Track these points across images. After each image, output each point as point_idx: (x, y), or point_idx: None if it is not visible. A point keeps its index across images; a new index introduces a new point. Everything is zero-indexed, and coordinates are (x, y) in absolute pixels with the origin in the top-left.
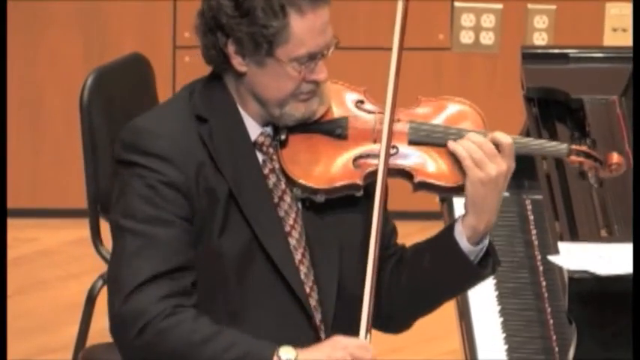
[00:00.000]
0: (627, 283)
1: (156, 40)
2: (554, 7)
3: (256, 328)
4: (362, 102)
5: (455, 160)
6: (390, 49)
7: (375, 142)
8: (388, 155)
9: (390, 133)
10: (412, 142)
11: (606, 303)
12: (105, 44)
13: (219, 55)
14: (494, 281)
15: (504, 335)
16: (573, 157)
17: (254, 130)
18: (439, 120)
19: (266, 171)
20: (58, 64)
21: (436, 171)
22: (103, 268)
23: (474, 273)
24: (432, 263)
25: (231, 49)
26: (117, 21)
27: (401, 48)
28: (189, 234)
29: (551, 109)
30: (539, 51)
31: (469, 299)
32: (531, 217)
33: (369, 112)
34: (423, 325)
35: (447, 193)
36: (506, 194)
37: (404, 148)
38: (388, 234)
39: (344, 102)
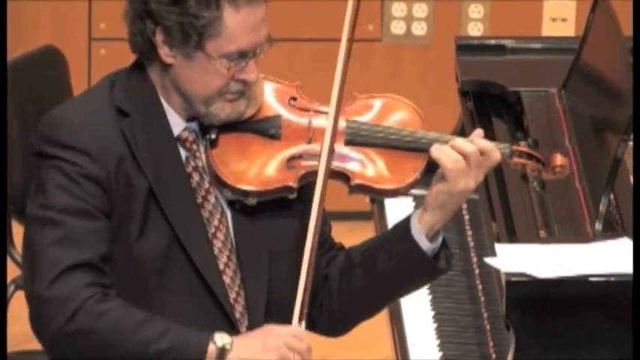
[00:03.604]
0: (568, 286)
1: (70, 32)
2: None
3: None
4: (294, 99)
5: (394, 161)
6: (337, 40)
7: (309, 141)
8: (331, 156)
9: (334, 134)
10: (349, 143)
11: (546, 307)
12: (18, 36)
13: (145, 43)
14: (428, 285)
15: (439, 342)
16: (516, 159)
17: (178, 124)
18: (375, 118)
19: (189, 169)
20: None
21: (374, 173)
22: (16, 272)
23: (433, 270)
24: (389, 263)
25: (159, 38)
26: (30, 11)
27: (349, 49)
28: (109, 229)
29: (487, 103)
30: (475, 42)
31: (401, 303)
32: (466, 217)
33: (303, 109)
34: (352, 331)
35: (383, 196)
36: None
37: (341, 148)
38: (328, 234)
39: (276, 99)
